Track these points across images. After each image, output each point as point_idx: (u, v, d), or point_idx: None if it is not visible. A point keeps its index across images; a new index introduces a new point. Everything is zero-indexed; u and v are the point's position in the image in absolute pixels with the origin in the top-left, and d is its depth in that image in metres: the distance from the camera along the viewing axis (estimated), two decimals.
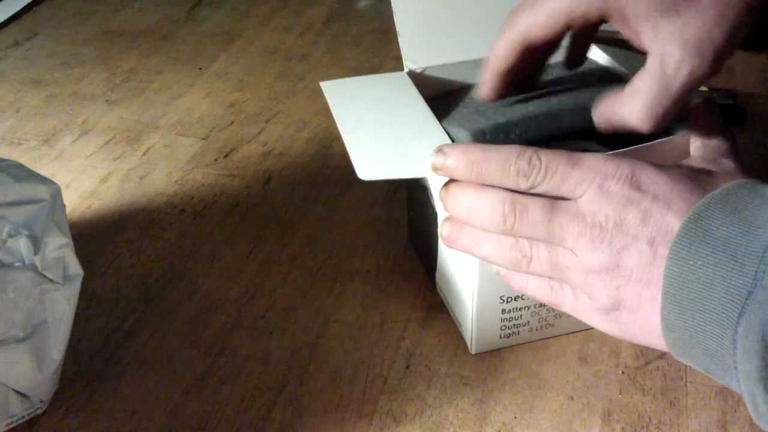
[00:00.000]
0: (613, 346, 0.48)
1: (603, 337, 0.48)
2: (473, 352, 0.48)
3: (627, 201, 0.36)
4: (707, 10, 0.36)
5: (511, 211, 0.38)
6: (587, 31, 0.44)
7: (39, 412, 0.45)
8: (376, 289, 0.53)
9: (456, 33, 0.49)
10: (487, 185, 0.39)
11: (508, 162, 0.38)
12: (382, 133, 0.43)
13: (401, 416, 0.44)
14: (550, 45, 0.42)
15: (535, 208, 0.37)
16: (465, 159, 0.38)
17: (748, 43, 0.42)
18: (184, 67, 0.82)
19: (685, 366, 0.46)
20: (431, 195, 0.47)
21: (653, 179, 0.36)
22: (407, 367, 0.47)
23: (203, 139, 0.70)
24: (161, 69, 0.82)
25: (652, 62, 0.39)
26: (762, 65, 0.77)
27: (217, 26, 0.91)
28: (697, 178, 0.37)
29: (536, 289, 0.40)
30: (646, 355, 0.47)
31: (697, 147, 0.41)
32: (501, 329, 0.47)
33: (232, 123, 0.72)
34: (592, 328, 0.49)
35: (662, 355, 0.47)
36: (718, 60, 0.37)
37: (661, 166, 0.37)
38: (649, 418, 0.44)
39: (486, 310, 0.46)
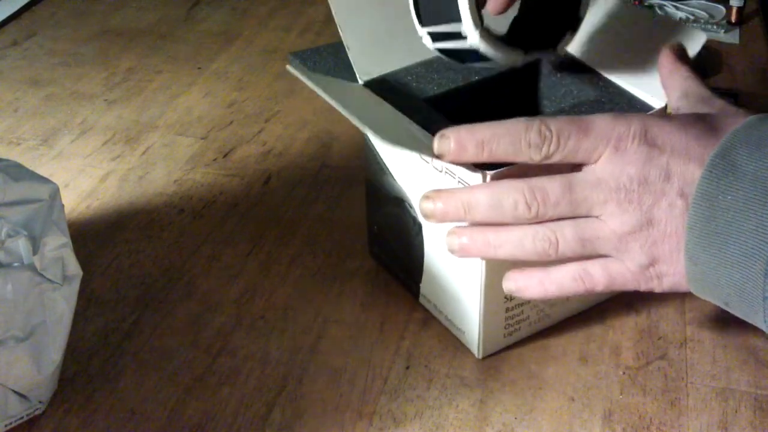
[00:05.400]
0: (613, 346, 0.48)
1: (603, 337, 0.48)
2: (480, 356, 0.47)
3: (646, 158, 0.36)
4: None
5: (533, 196, 0.37)
6: None
7: (38, 412, 0.44)
8: (376, 289, 0.53)
9: (400, 38, 0.49)
10: (500, 181, 0.38)
11: (517, 136, 0.37)
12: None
13: (401, 417, 0.44)
14: None
15: (553, 187, 0.37)
16: (472, 139, 0.37)
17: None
18: (183, 67, 0.82)
19: (686, 366, 0.46)
20: (410, 207, 0.47)
21: (666, 131, 0.36)
22: (407, 367, 0.47)
23: (202, 138, 0.70)
24: (160, 68, 0.82)
25: None
26: (762, 65, 0.77)
27: (216, 26, 0.91)
28: (705, 121, 0.37)
29: (559, 288, 0.39)
30: (646, 356, 0.47)
31: (679, 96, 0.41)
32: (505, 329, 0.47)
33: (231, 123, 0.72)
34: (591, 327, 0.49)
35: (663, 356, 0.47)
36: None
37: (668, 116, 0.37)
38: (650, 419, 0.43)
39: (492, 313, 0.45)
